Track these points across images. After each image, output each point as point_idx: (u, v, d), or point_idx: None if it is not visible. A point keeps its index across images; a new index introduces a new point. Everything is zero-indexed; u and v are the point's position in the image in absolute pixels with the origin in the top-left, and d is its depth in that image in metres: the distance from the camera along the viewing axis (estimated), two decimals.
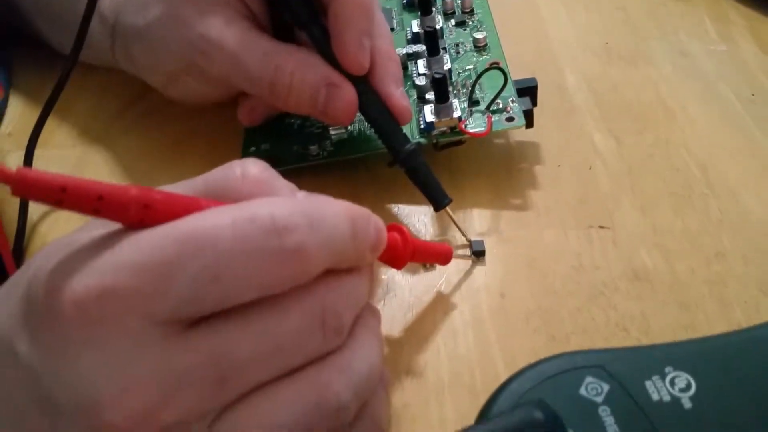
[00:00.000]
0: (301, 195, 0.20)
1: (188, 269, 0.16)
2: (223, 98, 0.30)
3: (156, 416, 0.16)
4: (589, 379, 0.19)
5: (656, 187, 0.29)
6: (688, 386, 0.18)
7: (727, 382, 0.18)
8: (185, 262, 0.16)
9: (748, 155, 0.30)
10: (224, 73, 0.27)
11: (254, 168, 0.19)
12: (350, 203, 0.19)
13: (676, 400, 0.18)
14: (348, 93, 0.26)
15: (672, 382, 0.18)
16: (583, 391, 0.18)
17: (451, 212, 0.27)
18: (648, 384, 0.18)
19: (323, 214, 0.18)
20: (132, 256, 0.16)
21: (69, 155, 0.33)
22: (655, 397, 0.18)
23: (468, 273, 0.27)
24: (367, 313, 0.20)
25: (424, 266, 0.27)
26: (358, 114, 0.30)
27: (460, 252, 0.27)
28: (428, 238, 0.28)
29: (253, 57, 0.26)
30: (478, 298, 0.26)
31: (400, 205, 0.29)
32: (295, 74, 0.26)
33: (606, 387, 0.18)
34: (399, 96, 0.27)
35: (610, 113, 0.33)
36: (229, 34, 0.27)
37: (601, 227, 0.28)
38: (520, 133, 0.32)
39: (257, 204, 0.17)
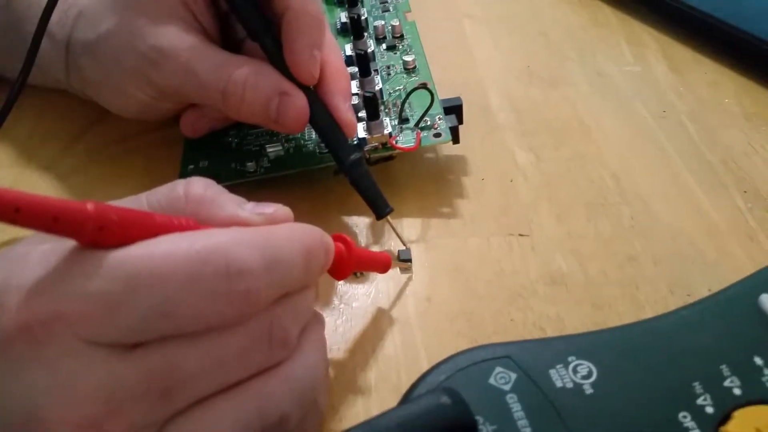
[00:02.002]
0: (250, 206, 0.20)
1: (137, 304, 0.16)
2: (172, 112, 0.31)
3: (101, 428, 0.16)
4: (498, 369, 0.20)
5: (572, 197, 0.31)
6: (590, 374, 0.20)
7: (625, 369, 0.20)
8: (135, 298, 0.16)
9: (658, 166, 0.33)
10: (176, 84, 0.28)
11: (197, 187, 0.20)
12: (305, 229, 0.20)
13: (578, 387, 0.19)
14: (300, 101, 0.27)
15: (575, 370, 0.20)
16: (492, 380, 0.20)
17: (391, 221, 0.28)
18: (552, 372, 0.20)
19: (280, 253, 0.18)
20: (83, 284, 0.16)
21: (5, 175, 0.33)
22: (558, 384, 0.19)
23: (397, 279, 0.28)
24: (312, 321, 0.21)
25: (355, 274, 0.28)
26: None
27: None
28: (368, 247, 0.29)
29: (205, 67, 0.27)
30: (406, 302, 0.27)
31: (336, 217, 0.30)
32: (247, 83, 0.27)
33: (513, 376, 0.20)
34: (346, 109, 0.28)
35: (530, 130, 0.35)
36: (181, 45, 0.27)
37: (520, 235, 0.29)
38: (448, 148, 0.33)
39: (217, 238, 0.17)
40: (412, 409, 0.17)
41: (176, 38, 0.27)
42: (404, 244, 0.28)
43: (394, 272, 0.28)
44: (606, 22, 0.43)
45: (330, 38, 0.30)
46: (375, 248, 0.29)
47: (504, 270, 0.28)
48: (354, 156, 0.28)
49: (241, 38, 0.31)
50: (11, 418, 0.16)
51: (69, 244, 0.17)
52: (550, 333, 0.25)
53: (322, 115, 0.28)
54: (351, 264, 0.23)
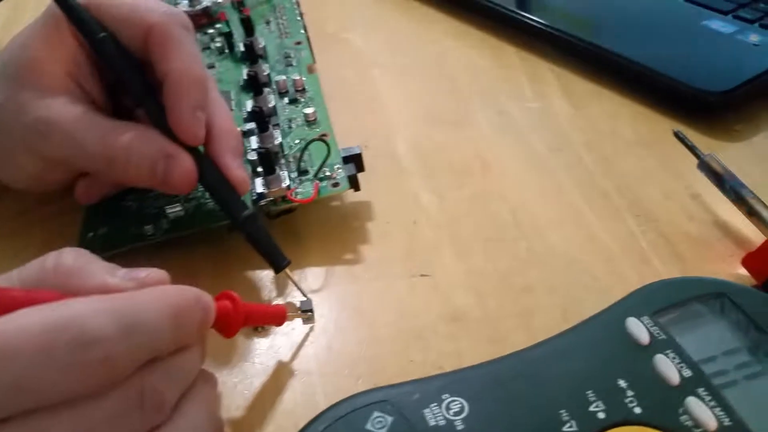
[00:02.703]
0: (122, 273, 0.21)
1: None
2: (63, 182, 0.31)
3: None
4: (375, 414, 0.20)
5: (472, 234, 0.32)
6: (462, 409, 0.20)
7: (495, 402, 0.20)
8: None
9: (554, 198, 0.34)
10: (64, 154, 0.28)
11: (68, 258, 0.20)
12: (174, 290, 0.20)
13: (449, 423, 0.20)
14: (185, 162, 0.28)
15: (447, 407, 0.20)
16: (369, 425, 0.20)
17: (290, 273, 0.29)
18: (426, 411, 0.20)
19: (139, 317, 0.18)
20: None
21: None
22: (432, 422, 0.20)
23: (299, 330, 0.28)
24: (199, 382, 0.21)
25: (256, 329, 0.28)
26: (197, 191, 0.32)
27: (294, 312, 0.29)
28: (271, 301, 0.30)
29: (89, 134, 0.27)
30: (307, 353, 0.27)
31: (239, 273, 0.31)
32: (132, 148, 0.27)
33: (390, 419, 0.20)
34: (235, 167, 0.29)
35: (433, 172, 0.36)
36: (66, 116, 0.28)
37: (422, 275, 0.30)
38: (353, 196, 0.34)
39: (71, 309, 0.18)
40: None
41: (62, 109, 0.28)
42: (304, 295, 0.29)
43: (297, 323, 0.28)
44: (509, 63, 0.45)
45: (216, 97, 0.30)
46: (279, 301, 0.30)
47: (406, 311, 0.29)
48: (246, 212, 0.28)
49: (133, 106, 0.31)
50: None
51: None
52: (449, 370, 0.26)
53: (211, 174, 0.28)
54: (239, 320, 0.23)
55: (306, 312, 0.28)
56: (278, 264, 0.28)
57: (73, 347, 0.17)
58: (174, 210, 0.31)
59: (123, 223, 0.31)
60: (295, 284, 0.29)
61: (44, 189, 0.32)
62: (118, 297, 0.19)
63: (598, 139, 0.38)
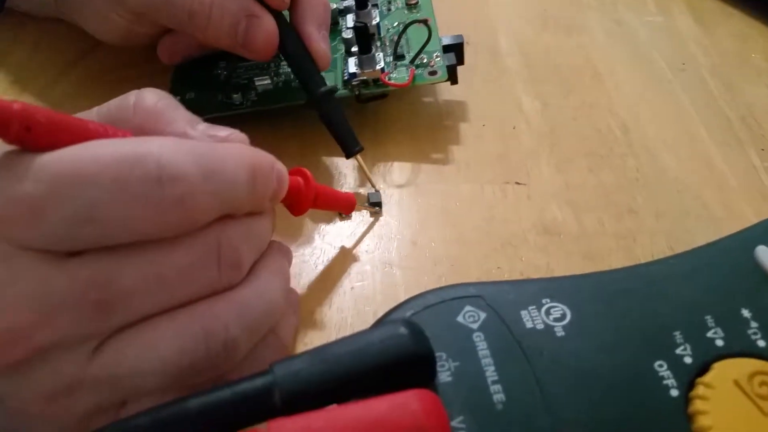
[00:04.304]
0: (203, 127, 0.19)
1: (62, 207, 0.15)
2: (150, 36, 0.30)
3: (29, 337, 0.16)
4: (467, 308, 0.19)
5: (575, 146, 0.29)
6: (563, 316, 0.19)
7: (602, 314, 0.19)
8: (60, 200, 0.15)
9: (671, 119, 0.31)
10: (146, 4, 0.27)
11: (149, 98, 0.19)
12: (253, 150, 0.19)
13: (549, 328, 0.18)
14: (268, 24, 0.26)
15: (548, 312, 0.19)
16: (460, 318, 0.19)
17: (361, 160, 0.27)
18: (523, 313, 0.19)
19: (220, 164, 0.17)
20: (8, 184, 0.16)
21: None
22: (528, 325, 0.18)
23: (382, 222, 0.27)
24: (273, 251, 0.20)
25: (340, 215, 0.27)
26: (285, 66, 0.30)
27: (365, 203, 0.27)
28: (348, 190, 0.28)
29: None
30: (391, 245, 0.26)
31: (322, 157, 0.29)
32: (214, 3, 0.26)
33: (483, 315, 0.19)
34: (318, 38, 0.27)
35: (539, 77, 0.33)
36: None
37: (517, 183, 0.28)
38: (448, 92, 0.32)
39: (148, 144, 0.16)
40: (367, 338, 0.16)
41: None
42: (374, 187, 0.27)
43: (381, 214, 0.27)
44: None
45: None
46: (362, 191, 0.28)
47: (495, 217, 0.27)
48: (324, 88, 0.26)
49: None
50: None
51: (9, 149, 0.16)
52: None
53: (292, 42, 0.26)
54: (309, 199, 0.22)
55: (374, 205, 0.27)
56: (350, 148, 0.27)
57: (149, 181, 0.16)
58: (263, 82, 0.29)
59: (211, 91, 0.30)
60: (366, 173, 0.27)
61: (133, 44, 0.31)
62: (197, 142, 0.18)
63: (724, 62, 0.34)
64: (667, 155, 0.29)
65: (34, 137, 0.16)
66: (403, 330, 0.16)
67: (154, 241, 0.17)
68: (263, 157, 0.19)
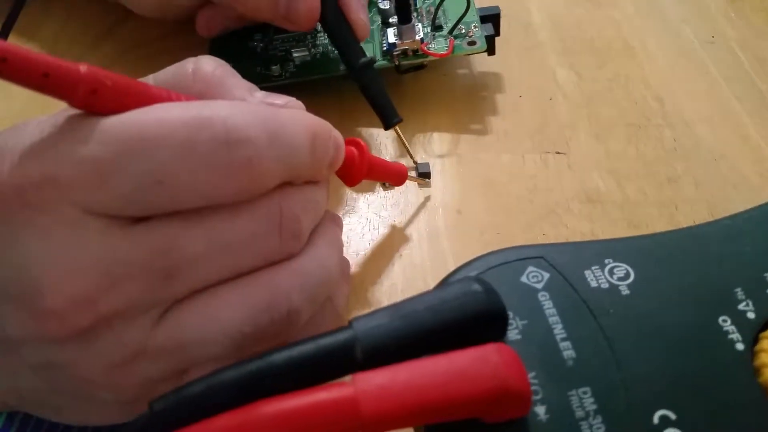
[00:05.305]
0: (260, 95, 0.19)
1: (130, 170, 0.15)
2: (188, 9, 0.30)
3: (96, 304, 0.15)
4: (530, 268, 0.19)
5: (613, 117, 0.30)
6: (627, 275, 0.19)
7: (664, 272, 0.19)
8: (127, 163, 0.15)
9: (704, 91, 0.31)
10: None
11: (208, 64, 0.19)
12: (312, 116, 0.19)
13: (614, 287, 0.18)
14: None
15: (611, 272, 0.19)
16: (524, 278, 0.19)
17: (400, 132, 0.27)
18: (587, 273, 0.19)
19: (283, 128, 0.17)
20: (75, 147, 0.15)
21: None
22: (593, 284, 0.18)
23: (427, 192, 0.27)
24: (327, 221, 0.20)
25: (383, 185, 0.27)
26: (324, 37, 0.30)
27: (413, 173, 0.28)
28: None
29: None
30: (436, 214, 0.26)
31: (362, 128, 0.30)
32: None
33: (546, 275, 0.19)
34: (358, 7, 0.27)
35: (572, 49, 0.33)
36: None
37: (557, 153, 0.28)
38: (483, 64, 0.32)
39: (214, 107, 0.16)
40: (442, 294, 0.16)
41: None
42: (412, 158, 0.27)
43: (424, 184, 0.27)
44: None
45: None
46: (402, 162, 0.28)
47: (538, 186, 0.27)
48: (364, 59, 0.26)
49: None
50: (6, 287, 0.15)
51: (65, 113, 0.16)
52: None
53: (332, 12, 0.26)
54: (363, 169, 0.22)
55: (423, 175, 0.27)
56: (389, 120, 0.27)
57: (217, 144, 0.16)
58: (301, 53, 0.29)
59: (248, 63, 0.30)
60: (405, 145, 0.27)
61: (167, 15, 0.30)
62: (261, 106, 0.18)
63: (753, 36, 0.34)
64: (702, 126, 0.29)
65: (100, 101, 0.16)
66: (477, 287, 0.16)
67: (218, 208, 0.17)
68: (322, 124, 0.19)
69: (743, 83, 0.32)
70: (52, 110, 0.16)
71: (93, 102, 0.16)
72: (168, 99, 0.17)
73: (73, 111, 0.16)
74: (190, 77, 0.18)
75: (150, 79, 0.19)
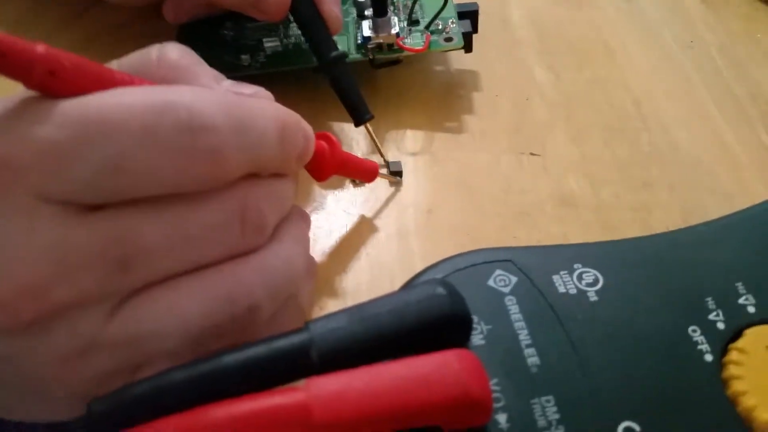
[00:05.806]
0: (227, 84, 0.19)
1: (88, 155, 0.14)
2: None
3: (47, 293, 0.15)
4: (498, 272, 0.18)
5: (590, 119, 0.29)
6: (596, 281, 0.18)
7: (635, 279, 0.18)
8: (85, 148, 0.14)
9: (682, 95, 0.31)
10: None
11: (173, 52, 0.18)
12: (281, 106, 0.18)
13: (582, 293, 0.18)
14: None
15: (580, 277, 0.18)
16: (491, 282, 0.18)
17: (370, 129, 0.26)
18: (555, 278, 0.18)
19: (250, 117, 0.17)
20: (30, 129, 0.15)
21: None
22: (561, 289, 0.18)
23: (397, 190, 0.26)
24: (294, 216, 0.20)
25: (353, 182, 0.26)
26: (295, 28, 0.29)
27: (384, 171, 0.27)
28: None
29: None
30: (406, 213, 0.25)
31: (335, 123, 0.29)
32: None
33: (514, 279, 0.18)
34: (330, 0, 0.26)
35: (551, 49, 0.33)
36: None
37: (532, 154, 0.28)
38: (460, 62, 0.31)
39: (178, 92, 0.16)
40: (405, 297, 0.16)
41: None
42: (383, 157, 0.26)
43: (395, 183, 0.26)
44: None
45: None
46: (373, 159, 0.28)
47: (512, 187, 0.27)
48: (336, 53, 0.26)
49: None
50: None
51: (21, 95, 0.15)
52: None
53: (305, 4, 0.26)
54: (333, 164, 0.21)
55: (395, 174, 0.26)
56: (360, 116, 0.26)
57: (180, 130, 0.15)
58: (272, 43, 0.28)
59: (218, 51, 0.29)
60: (375, 142, 0.27)
61: (135, 2, 0.29)
62: (227, 94, 0.17)
63: (731, 42, 0.34)
64: (679, 131, 0.29)
65: (58, 83, 0.15)
66: (441, 290, 0.16)
67: (179, 197, 0.16)
68: (291, 114, 0.19)
69: (721, 89, 0.31)
70: (10, 94, 0.16)
71: (51, 84, 0.15)
72: (131, 84, 0.16)
73: (30, 93, 0.15)
74: (154, 64, 0.18)
75: (114, 65, 0.18)
